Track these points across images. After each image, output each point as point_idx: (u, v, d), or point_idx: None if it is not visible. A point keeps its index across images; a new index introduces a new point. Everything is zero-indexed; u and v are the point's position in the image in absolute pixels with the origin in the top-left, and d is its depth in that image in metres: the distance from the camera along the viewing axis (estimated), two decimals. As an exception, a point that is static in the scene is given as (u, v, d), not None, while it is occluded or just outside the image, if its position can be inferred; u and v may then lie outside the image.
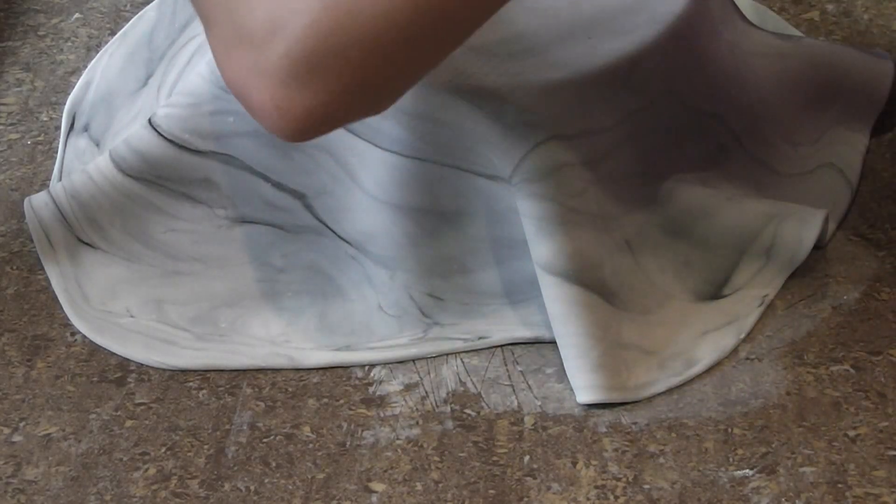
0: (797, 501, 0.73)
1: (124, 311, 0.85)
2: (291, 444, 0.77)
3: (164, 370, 0.82)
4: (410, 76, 0.70)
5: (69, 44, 1.07)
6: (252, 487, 0.75)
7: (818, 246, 0.86)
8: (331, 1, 0.66)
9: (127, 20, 1.04)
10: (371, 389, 0.81)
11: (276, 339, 0.84)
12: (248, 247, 0.87)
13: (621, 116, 0.83)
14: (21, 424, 0.79)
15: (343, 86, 0.68)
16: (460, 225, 0.84)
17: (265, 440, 0.78)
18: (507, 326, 0.83)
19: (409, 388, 0.81)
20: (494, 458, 0.76)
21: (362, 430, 0.78)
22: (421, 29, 0.67)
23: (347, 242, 0.85)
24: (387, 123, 0.82)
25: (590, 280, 0.80)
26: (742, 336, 0.83)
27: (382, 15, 0.66)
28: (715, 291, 0.85)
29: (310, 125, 0.69)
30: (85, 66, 1.02)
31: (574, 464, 0.76)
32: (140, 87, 0.95)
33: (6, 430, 0.79)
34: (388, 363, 0.82)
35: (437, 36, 0.68)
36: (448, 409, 0.79)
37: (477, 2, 0.68)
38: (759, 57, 0.94)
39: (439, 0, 0.66)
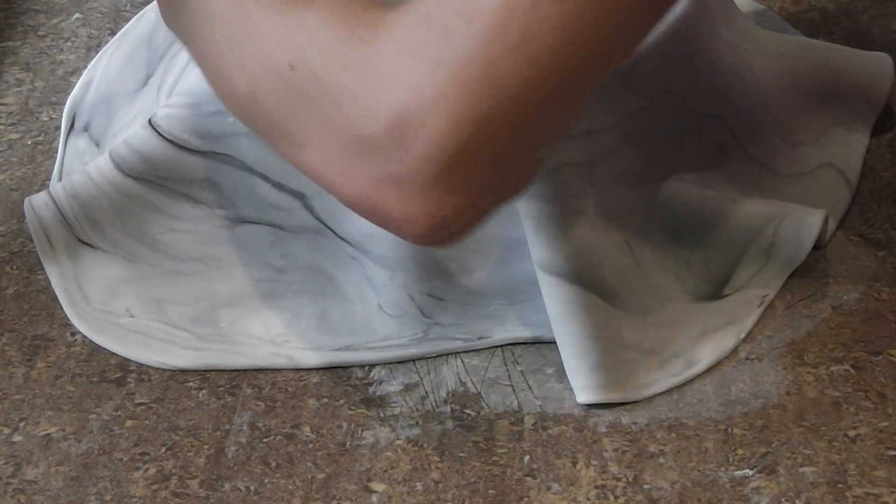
0: (797, 501, 0.73)
1: (124, 311, 0.85)
2: (291, 444, 0.77)
3: (164, 370, 0.82)
4: (556, 139, 0.64)
5: (69, 44, 1.07)
6: (252, 487, 0.75)
7: (818, 246, 0.86)
8: (465, 88, 0.60)
9: (127, 20, 1.04)
10: (371, 389, 0.81)
11: (276, 339, 0.84)
12: (248, 247, 0.87)
13: (621, 116, 0.83)
14: (21, 424, 0.79)
15: (495, 173, 0.62)
16: (460, 225, 0.84)
17: (265, 440, 0.78)
18: (507, 326, 0.83)
19: (409, 388, 0.81)
20: (494, 458, 0.76)
21: (362, 430, 0.78)
22: (565, 89, 0.61)
23: (347, 242, 0.85)
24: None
25: (590, 280, 0.80)
26: (742, 336, 0.83)
27: (527, 86, 0.60)
28: (715, 292, 0.85)
29: (463, 225, 0.63)
30: (85, 66, 1.02)
31: (574, 464, 0.76)
32: (140, 87, 0.95)
33: (6, 430, 0.79)
34: (388, 363, 0.82)
35: (580, 92, 0.63)
36: (448, 409, 0.79)
37: (618, 46, 0.62)
38: (759, 57, 0.94)
39: (580, 54, 0.60)
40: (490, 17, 0.59)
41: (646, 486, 0.74)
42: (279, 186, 0.86)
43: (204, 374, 0.82)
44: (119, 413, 0.80)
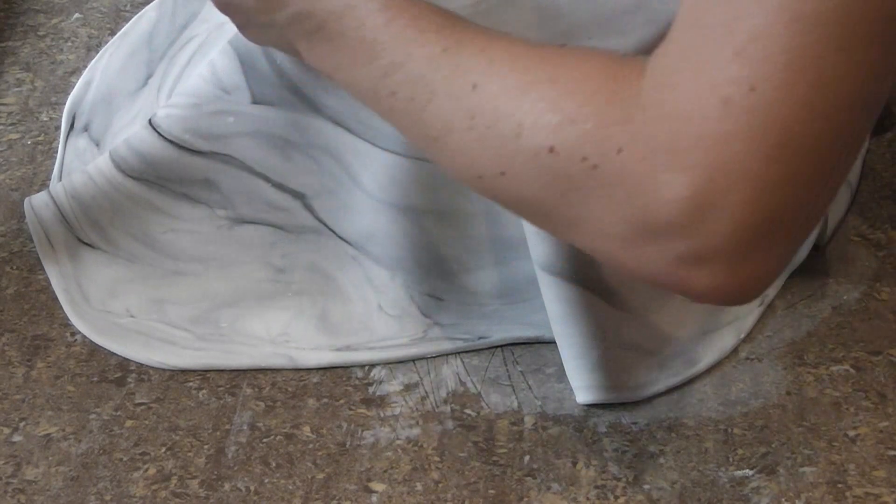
0: (797, 501, 0.73)
1: (124, 311, 0.85)
2: (291, 444, 0.77)
3: (164, 370, 0.82)
4: (845, 178, 0.63)
5: (69, 44, 1.07)
6: (252, 487, 0.75)
7: (818, 246, 0.86)
8: (765, 157, 0.58)
9: (127, 20, 1.04)
10: (371, 389, 0.81)
11: (276, 339, 0.84)
12: (249, 247, 0.86)
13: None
14: (21, 424, 0.79)
15: (797, 229, 0.61)
16: (460, 225, 0.84)
17: (265, 440, 0.78)
18: (507, 326, 0.83)
19: (409, 388, 0.81)
20: (494, 458, 0.76)
21: (362, 430, 0.78)
22: (856, 134, 0.60)
23: (347, 243, 0.85)
24: (387, 124, 0.82)
25: (589, 280, 0.80)
26: (742, 336, 0.83)
27: (822, 140, 0.58)
28: (715, 291, 0.85)
29: (764, 283, 0.62)
30: (85, 66, 1.02)
31: (574, 464, 0.76)
32: (140, 87, 0.95)
33: (6, 430, 0.79)
34: (388, 363, 0.82)
35: (866, 131, 0.61)
36: (448, 409, 0.79)
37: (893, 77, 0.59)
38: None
39: (866, 94, 0.59)
40: (775, 80, 0.58)
41: (646, 486, 0.74)
42: (279, 186, 0.85)
43: (204, 374, 0.82)
44: (119, 413, 0.80)
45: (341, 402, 0.80)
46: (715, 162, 0.58)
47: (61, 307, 0.86)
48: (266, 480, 0.75)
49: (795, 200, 0.60)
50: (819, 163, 0.59)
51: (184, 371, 0.82)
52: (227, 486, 0.75)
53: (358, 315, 0.84)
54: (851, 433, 0.77)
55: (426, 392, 0.80)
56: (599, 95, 0.61)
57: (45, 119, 1.00)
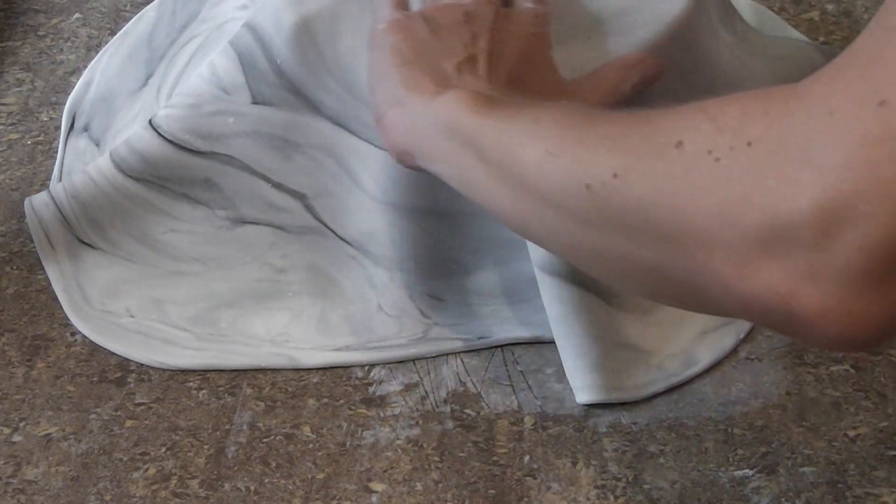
0: (797, 501, 0.73)
1: (124, 312, 0.85)
2: (291, 444, 0.77)
3: (164, 370, 0.82)
4: None
5: (69, 44, 1.07)
6: (252, 487, 0.75)
7: (818, 246, 0.86)
8: None
9: (127, 20, 1.04)
10: (371, 389, 0.81)
11: (276, 339, 0.84)
12: (249, 247, 0.86)
13: (621, 116, 0.83)
14: (21, 424, 0.79)
15: None
16: (460, 225, 0.84)
17: (265, 440, 0.78)
18: (507, 326, 0.83)
19: (409, 388, 0.81)
20: (494, 458, 0.76)
21: (362, 430, 0.78)
22: None
23: (348, 243, 0.85)
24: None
25: (589, 280, 0.80)
26: (742, 336, 0.83)
27: None
28: (715, 291, 0.85)
29: (886, 328, 0.54)
30: (85, 66, 1.02)
31: (574, 464, 0.76)
32: (140, 87, 0.95)
33: (6, 430, 0.79)
34: (388, 363, 0.82)
35: None
36: (448, 409, 0.79)
37: None
38: (759, 59, 0.94)
39: None
40: None
41: (646, 486, 0.74)
42: (279, 187, 0.86)
43: (204, 374, 0.82)
44: (119, 413, 0.80)
45: (341, 402, 0.80)
46: (853, 164, 0.52)
47: (61, 307, 0.86)
48: (266, 480, 0.75)
49: None
50: None
51: (184, 371, 0.82)
52: (227, 486, 0.75)
53: (358, 315, 0.84)
54: (851, 433, 0.77)
55: (426, 392, 0.80)
56: (746, 99, 0.56)
57: (45, 119, 1.00)
